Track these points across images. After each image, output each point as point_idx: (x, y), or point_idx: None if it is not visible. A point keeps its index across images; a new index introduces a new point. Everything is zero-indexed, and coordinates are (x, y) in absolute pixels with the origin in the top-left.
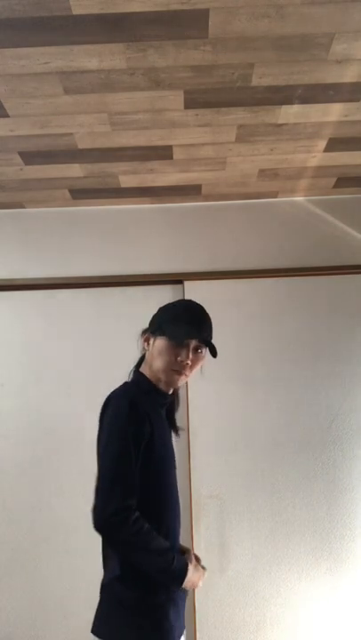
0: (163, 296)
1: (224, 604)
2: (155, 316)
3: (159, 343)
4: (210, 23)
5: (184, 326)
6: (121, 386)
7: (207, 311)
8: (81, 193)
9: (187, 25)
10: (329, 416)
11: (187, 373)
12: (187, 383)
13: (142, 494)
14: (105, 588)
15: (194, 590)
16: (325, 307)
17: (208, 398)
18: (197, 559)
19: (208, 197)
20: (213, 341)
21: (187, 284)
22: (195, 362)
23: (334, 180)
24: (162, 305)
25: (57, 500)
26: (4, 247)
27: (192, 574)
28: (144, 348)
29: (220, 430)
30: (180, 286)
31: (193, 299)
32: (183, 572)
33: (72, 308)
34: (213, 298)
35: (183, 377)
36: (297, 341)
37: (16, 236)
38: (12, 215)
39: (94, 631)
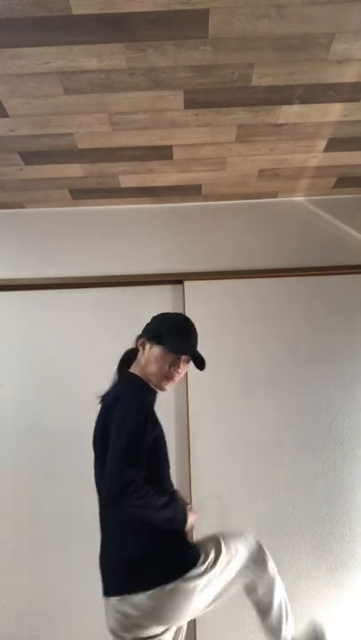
0: (163, 296)
1: (224, 605)
2: (153, 325)
3: (156, 351)
4: (210, 23)
5: (181, 340)
6: (127, 384)
7: (206, 312)
8: (81, 193)
9: (187, 25)
10: (329, 416)
11: (176, 380)
12: (187, 383)
13: (147, 470)
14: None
15: None
16: (325, 307)
17: (208, 398)
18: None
19: (208, 197)
20: (212, 343)
21: (187, 283)
22: (183, 371)
23: (334, 180)
24: (162, 305)
25: (57, 499)
26: (4, 247)
27: (191, 517)
28: (140, 350)
29: (220, 430)
30: (180, 286)
31: (193, 299)
32: (185, 516)
33: (72, 307)
34: (213, 298)
35: (172, 383)
36: (297, 341)
37: (16, 236)
38: (12, 215)
39: (131, 590)
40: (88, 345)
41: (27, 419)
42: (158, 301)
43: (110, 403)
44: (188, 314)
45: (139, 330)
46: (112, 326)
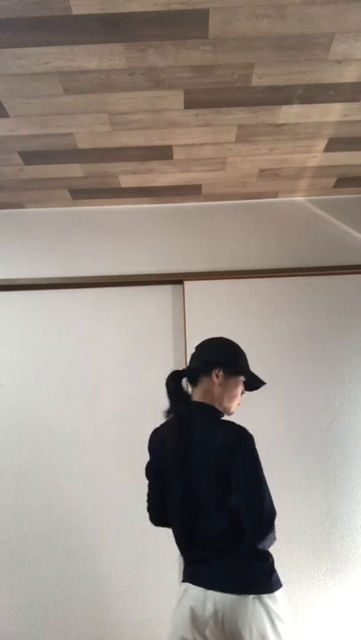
0: (163, 296)
1: None
2: (228, 355)
3: (235, 382)
4: (210, 23)
5: (250, 371)
6: (234, 424)
7: (206, 312)
8: (81, 193)
9: (187, 25)
10: (329, 416)
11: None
12: (187, 384)
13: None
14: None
15: None
16: (325, 307)
17: None
18: None
19: (208, 197)
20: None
21: (187, 283)
22: None
23: (334, 180)
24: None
25: (57, 499)
26: (4, 247)
27: None
28: (212, 380)
29: None
30: (180, 286)
31: (193, 299)
32: None
33: (72, 308)
34: (213, 298)
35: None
36: (297, 341)
37: (16, 236)
38: (12, 215)
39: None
40: (88, 345)
41: (27, 419)
42: (158, 301)
43: (221, 443)
44: (188, 314)
45: (139, 330)
46: (112, 326)
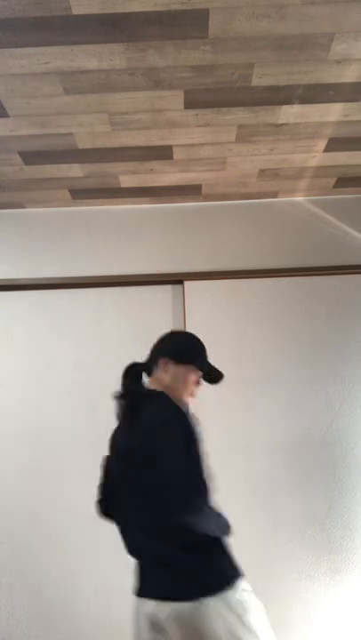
0: (163, 296)
1: None
2: (175, 345)
3: (183, 371)
4: (210, 23)
5: (206, 361)
6: (165, 400)
7: (206, 312)
8: (81, 193)
9: (187, 25)
10: (329, 416)
11: (196, 395)
12: None
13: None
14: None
15: None
16: (325, 307)
17: (207, 398)
18: None
19: (208, 197)
20: (212, 343)
21: (187, 283)
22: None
23: (334, 180)
24: (162, 305)
25: (57, 499)
26: (4, 247)
27: None
28: (160, 369)
29: (220, 430)
30: (180, 286)
31: (193, 299)
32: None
33: (72, 308)
34: (213, 298)
35: (194, 399)
36: (297, 341)
37: (16, 236)
38: (12, 215)
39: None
40: (88, 345)
41: (27, 418)
42: (158, 301)
43: (148, 423)
44: (188, 314)
45: (139, 330)
46: (112, 326)
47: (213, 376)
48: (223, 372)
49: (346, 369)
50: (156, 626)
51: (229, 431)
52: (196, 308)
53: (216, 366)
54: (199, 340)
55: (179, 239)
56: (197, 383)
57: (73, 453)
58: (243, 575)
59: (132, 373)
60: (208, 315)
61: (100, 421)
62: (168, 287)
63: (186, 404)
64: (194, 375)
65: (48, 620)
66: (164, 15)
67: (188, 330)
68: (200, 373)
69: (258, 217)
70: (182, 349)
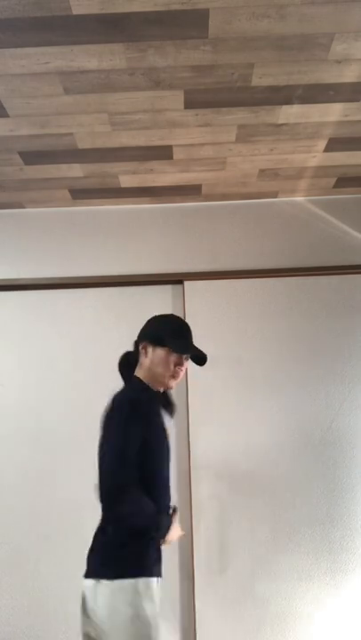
0: (163, 296)
1: (224, 604)
2: (152, 328)
3: (160, 353)
4: (210, 23)
5: (184, 340)
6: (122, 389)
7: (206, 312)
8: (81, 193)
9: (187, 25)
10: (329, 416)
11: (180, 377)
12: (187, 383)
13: (140, 474)
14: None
15: (193, 588)
16: (325, 307)
17: (208, 398)
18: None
19: (208, 197)
20: (212, 343)
21: (187, 283)
22: (185, 368)
23: (334, 180)
24: (162, 305)
25: (57, 499)
26: (4, 247)
27: (173, 531)
28: (141, 354)
29: (220, 430)
30: (180, 286)
31: (193, 299)
32: (167, 530)
33: (72, 307)
34: (213, 298)
35: (178, 380)
36: (297, 341)
37: (16, 236)
38: (12, 215)
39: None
40: (88, 345)
41: (27, 419)
42: (158, 301)
43: (110, 402)
44: (188, 314)
45: (138, 330)
46: (112, 326)
47: (195, 357)
48: (223, 371)
49: (346, 369)
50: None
51: (229, 431)
52: (196, 307)
53: (198, 347)
54: (177, 321)
55: (179, 239)
56: (179, 365)
57: (73, 453)
58: (146, 575)
59: (123, 362)
60: (208, 315)
61: (99, 421)
62: (168, 287)
63: (167, 386)
64: (173, 357)
65: (48, 621)
66: (164, 15)
67: None
68: (181, 355)
69: (258, 217)
70: (158, 331)
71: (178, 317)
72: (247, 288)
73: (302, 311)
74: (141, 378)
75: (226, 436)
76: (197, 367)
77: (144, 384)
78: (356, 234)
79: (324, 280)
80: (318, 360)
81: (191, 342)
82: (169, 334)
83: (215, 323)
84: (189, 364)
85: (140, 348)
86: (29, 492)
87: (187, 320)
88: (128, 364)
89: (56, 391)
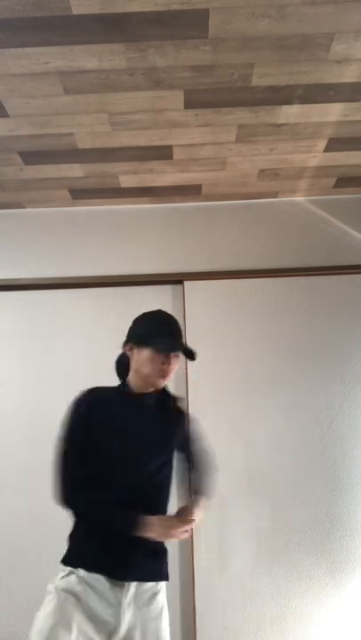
0: (163, 296)
1: (224, 604)
2: (136, 328)
3: (146, 353)
4: (210, 23)
5: (168, 338)
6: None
7: (206, 312)
8: (81, 193)
9: (187, 25)
10: (329, 416)
11: (170, 375)
12: (187, 383)
13: (92, 471)
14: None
15: (193, 588)
16: (325, 307)
17: (208, 398)
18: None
19: (208, 197)
20: (212, 342)
21: (187, 283)
22: (175, 364)
23: (334, 180)
24: (162, 305)
25: None
26: (4, 247)
27: (153, 526)
28: (128, 357)
29: (220, 430)
30: (180, 286)
31: (193, 299)
32: (131, 525)
33: (72, 308)
34: (213, 298)
35: (168, 379)
36: (297, 341)
37: (16, 236)
38: (12, 215)
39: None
40: (88, 345)
41: (27, 418)
42: (158, 301)
43: None
44: (188, 314)
45: None
46: (112, 326)
47: (185, 352)
48: (223, 371)
49: (346, 369)
50: None
51: (229, 431)
52: (196, 308)
53: (184, 345)
54: (160, 318)
55: (179, 239)
56: (167, 363)
57: None
58: (69, 563)
59: (119, 363)
60: (208, 315)
61: None
62: (168, 287)
63: (157, 385)
64: (159, 356)
65: None
66: (164, 15)
67: (188, 330)
68: (167, 353)
69: (258, 217)
70: (141, 331)
71: (162, 313)
72: (247, 288)
73: (302, 311)
74: (130, 381)
75: (226, 435)
76: (197, 367)
77: (115, 386)
78: (356, 234)
79: (324, 280)
80: (318, 360)
81: (177, 339)
82: (153, 333)
83: (215, 323)
84: (189, 365)
85: (127, 349)
86: (29, 492)
87: (187, 320)
88: (124, 365)
89: (56, 391)
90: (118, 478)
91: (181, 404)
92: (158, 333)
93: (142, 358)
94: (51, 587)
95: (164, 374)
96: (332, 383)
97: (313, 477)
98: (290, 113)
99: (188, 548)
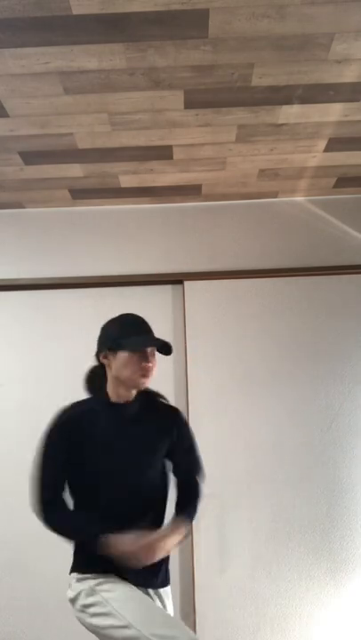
0: (163, 296)
1: (224, 605)
2: (105, 335)
3: (122, 357)
4: (210, 23)
5: (139, 336)
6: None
7: (206, 312)
8: (81, 193)
9: (187, 25)
10: (329, 416)
11: (152, 372)
12: (187, 383)
13: (77, 487)
14: None
15: (193, 588)
16: (325, 307)
17: (208, 398)
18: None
19: (208, 197)
20: (212, 342)
21: (187, 284)
22: (154, 361)
23: (334, 180)
24: (162, 305)
25: None
26: (4, 247)
27: (117, 544)
28: (104, 366)
29: (220, 430)
30: (180, 286)
31: (193, 299)
32: (96, 545)
33: (72, 308)
34: (213, 298)
35: (150, 377)
36: (297, 341)
37: (16, 236)
38: (12, 215)
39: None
40: (88, 345)
41: (27, 419)
42: (158, 301)
43: None
44: (188, 314)
45: None
46: None
47: (160, 348)
48: (223, 371)
49: (346, 369)
50: None
51: (230, 431)
52: (196, 308)
53: (159, 339)
54: (127, 319)
55: (179, 239)
56: (145, 361)
57: None
58: (77, 571)
59: (91, 377)
60: (208, 315)
61: None
62: (168, 287)
63: (139, 386)
64: (136, 356)
65: (48, 621)
66: (164, 15)
67: (189, 330)
68: (144, 351)
69: (258, 217)
70: (111, 336)
71: (129, 315)
72: (247, 288)
73: (302, 311)
74: (110, 391)
75: (226, 435)
76: (198, 367)
77: (96, 399)
78: (356, 234)
79: (324, 280)
80: (318, 360)
81: (148, 335)
82: (124, 335)
83: (215, 323)
84: (189, 365)
85: (102, 358)
86: (29, 492)
87: (187, 320)
88: (97, 378)
89: (56, 391)
90: (105, 494)
91: (167, 401)
92: (130, 333)
93: (120, 362)
94: (84, 593)
95: (145, 373)
96: (332, 383)
97: (313, 477)
98: (290, 113)
99: (188, 548)
